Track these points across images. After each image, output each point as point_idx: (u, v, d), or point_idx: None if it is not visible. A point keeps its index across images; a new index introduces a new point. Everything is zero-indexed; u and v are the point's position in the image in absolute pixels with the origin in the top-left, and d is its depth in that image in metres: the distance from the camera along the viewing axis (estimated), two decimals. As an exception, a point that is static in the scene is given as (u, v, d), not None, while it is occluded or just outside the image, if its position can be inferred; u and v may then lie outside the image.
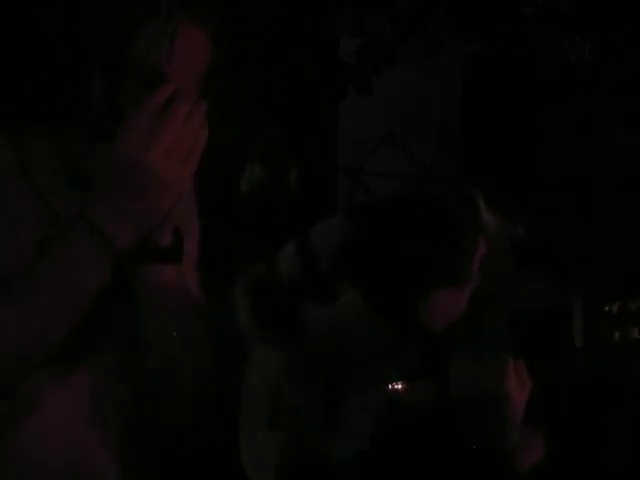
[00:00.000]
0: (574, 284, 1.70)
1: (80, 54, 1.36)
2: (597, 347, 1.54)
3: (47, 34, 1.38)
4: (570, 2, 4.12)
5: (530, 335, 1.61)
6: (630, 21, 4.17)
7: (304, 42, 4.07)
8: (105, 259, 1.31)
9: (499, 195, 1.74)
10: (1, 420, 1.36)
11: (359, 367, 1.70)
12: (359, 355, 1.70)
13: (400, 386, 1.71)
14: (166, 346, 1.48)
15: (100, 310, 1.36)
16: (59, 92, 1.37)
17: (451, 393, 1.66)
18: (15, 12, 1.39)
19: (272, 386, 1.68)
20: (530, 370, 1.63)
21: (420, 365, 1.69)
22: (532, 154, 4.59)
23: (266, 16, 3.85)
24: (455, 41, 4.29)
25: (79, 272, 1.30)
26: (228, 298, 1.65)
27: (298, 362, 1.69)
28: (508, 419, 1.63)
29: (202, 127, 1.34)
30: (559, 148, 4.53)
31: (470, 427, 1.66)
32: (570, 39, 4.09)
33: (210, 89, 1.46)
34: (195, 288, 1.60)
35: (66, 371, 1.40)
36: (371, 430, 1.70)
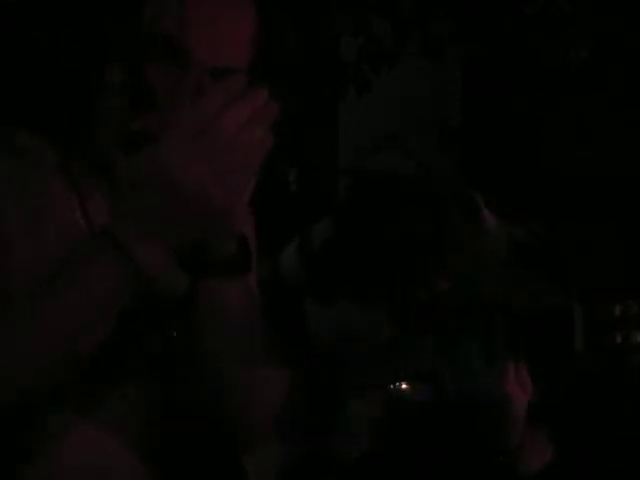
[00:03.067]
0: (574, 285, 1.70)
1: (88, 41, 1.19)
2: (598, 350, 1.54)
3: (54, 29, 1.23)
4: (570, 2, 4.12)
5: (531, 337, 1.61)
6: (630, 21, 4.17)
7: (304, 42, 4.07)
8: (128, 284, 1.12)
9: (499, 195, 1.74)
10: (29, 450, 1.27)
11: (359, 367, 1.70)
12: (359, 355, 1.70)
13: (400, 386, 1.71)
14: (223, 361, 1.28)
15: (135, 334, 1.24)
16: (80, 90, 1.20)
17: (450, 395, 1.66)
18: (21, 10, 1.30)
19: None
20: (530, 372, 1.63)
21: (420, 365, 1.69)
22: (532, 154, 4.59)
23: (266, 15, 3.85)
24: (455, 41, 4.29)
25: (99, 293, 1.12)
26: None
27: (299, 362, 1.69)
28: (509, 421, 1.63)
29: (266, 136, 1.09)
30: (559, 148, 4.53)
31: (471, 429, 1.66)
32: (570, 39, 4.09)
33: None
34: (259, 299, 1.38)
35: (95, 400, 1.27)
36: (371, 430, 1.70)
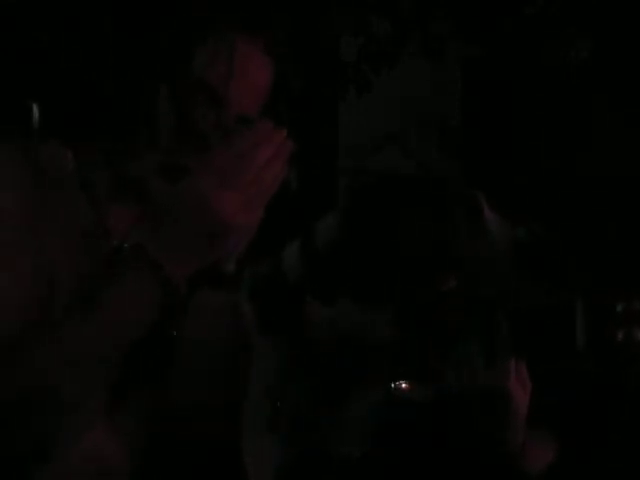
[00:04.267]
0: (576, 284, 1.70)
1: (140, 71, 1.32)
2: (600, 348, 1.54)
3: (107, 50, 1.34)
4: (570, 2, 4.12)
5: (532, 335, 1.61)
6: (630, 21, 4.17)
7: (304, 42, 4.07)
8: (159, 298, 1.21)
9: (499, 195, 1.74)
10: (29, 450, 1.29)
11: (360, 367, 1.70)
12: (360, 355, 1.69)
13: (400, 386, 1.71)
14: (202, 375, 1.41)
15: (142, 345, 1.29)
16: (122, 112, 1.33)
17: (450, 394, 1.66)
18: (75, 29, 1.35)
19: (273, 387, 1.68)
20: (532, 371, 1.63)
21: (420, 365, 1.69)
22: (532, 154, 4.60)
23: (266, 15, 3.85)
24: (455, 41, 4.29)
25: (130, 310, 1.21)
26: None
27: (300, 362, 1.69)
28: (510, 420, 1.63)
29: (282, 171, 1.25)
30: (559, 148, 4.53)
31: (471, 427, 1.66)
32: (570, 39, 4.09)
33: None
34: (246, 318, 1.54)
35: (107, 406, 1.32)
36: (372, 430, 1.70)
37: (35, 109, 1.39)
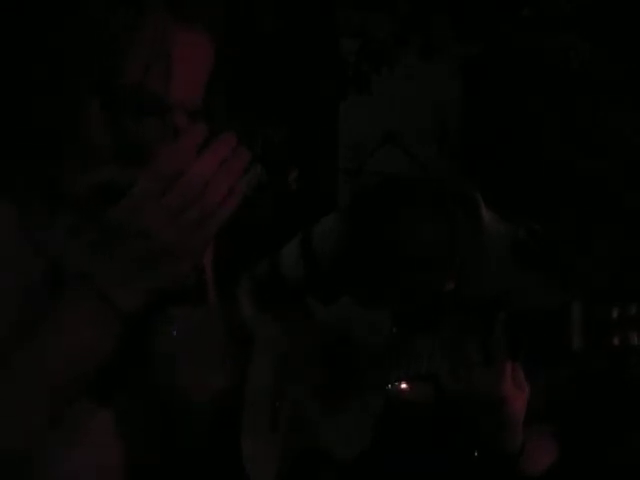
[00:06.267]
0: (574, 285, 1.70)
1: (65, 82, 1.19)
2: (596, 351, 1.54)
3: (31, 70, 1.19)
4: (570, 3, 4.12)
5: (529, 337, 1.61)
6: (630, 21, 4.17)
7: (304, 42, 4.07)
8: (112, 325, 1.15)
9: (499, 195, 1.74)
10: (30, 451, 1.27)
11: (360, 367, 1.70)
12: (360, 355, 1.70)
13: (400, 386, 1.71)
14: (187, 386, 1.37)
15: (117, 361, 1.24)
16: (55, 135, 1.20)
17: (446, 394, 1.66)
18: None
19: (273, 387, 1.68)
20: (529, 373, 1.63)
21: (420, 365, 1.69)
22: (532, 154, 4.59)
23: (266, 16, 3.85)
24: (455, 41, 4.29)
25: (82, 337, 1.15)
26: (232, 298, 1.65)
27: (299, 362, 1.69)
28: (506, 422, 1.63)
29: (236, 187, 1.13)
30: (559, 148, 4.53)
31: (471, 428, 1.66)
32: (570, 40, 4.09)
33: (210, 90, 1.26)
34: (222, 322, 1.46)
35: (95, 403, 1.29)
36: (372, 430, 1.70)
37: None
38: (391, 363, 1.69)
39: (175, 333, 1.35)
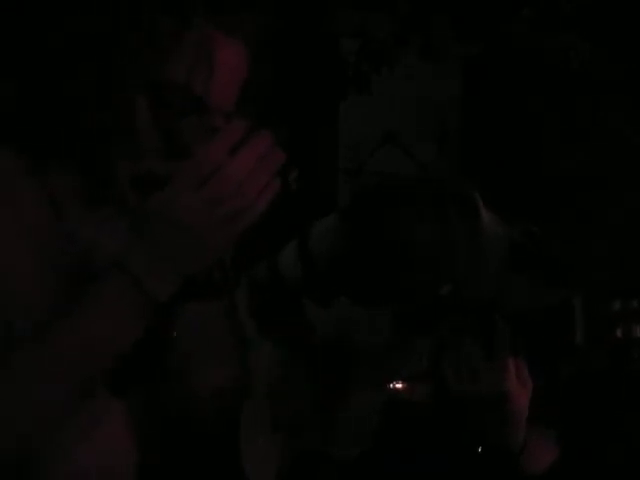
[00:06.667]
0: (574, 284, 1.70)
1: (114, 80, 1.23)
2: (599, 345, 1.54)
3: (80, 63, 1.23)
4: (570, 3, 4.12)
5: (531, 335, 1.61)
6: (630, 21, 4.17)
7: (304, 42, 4.07)
8: (143, 314, 1.18)
9: (498, 195, 1.74)
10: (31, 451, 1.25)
11: (360, 367, 1.70)
12: (360, 355, 1.70)
13: (400, 386, 1.71)
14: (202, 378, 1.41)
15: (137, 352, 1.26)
16: (96, 124, 1.24)
17: (451, 393, 1.66)
18: (42, 42, 1.25)
19: (273, 387, 1.68)
20: (532, 369, 1.63)
21: (420, 365, 1.69)
22: (532, 154, 4.59)
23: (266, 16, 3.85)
24: (455, 41, 4.29)
25: (113, 326, 1.18)
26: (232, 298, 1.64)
27: (299, 363, 1.69)
28: (510, 419, 1.63)
29: (272, 182, 1.17)
30: (559, 148, 4.53)
31: (472, 427, 1.66)
32: (570, 40, 4.09)
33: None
34: (245, 317, 1.50)
35: (97, 402, 1.29)
36: (372, 430, 1.70)
37: None
38: (391, 363, 1.69)
39: (183, 328, 1.36)
